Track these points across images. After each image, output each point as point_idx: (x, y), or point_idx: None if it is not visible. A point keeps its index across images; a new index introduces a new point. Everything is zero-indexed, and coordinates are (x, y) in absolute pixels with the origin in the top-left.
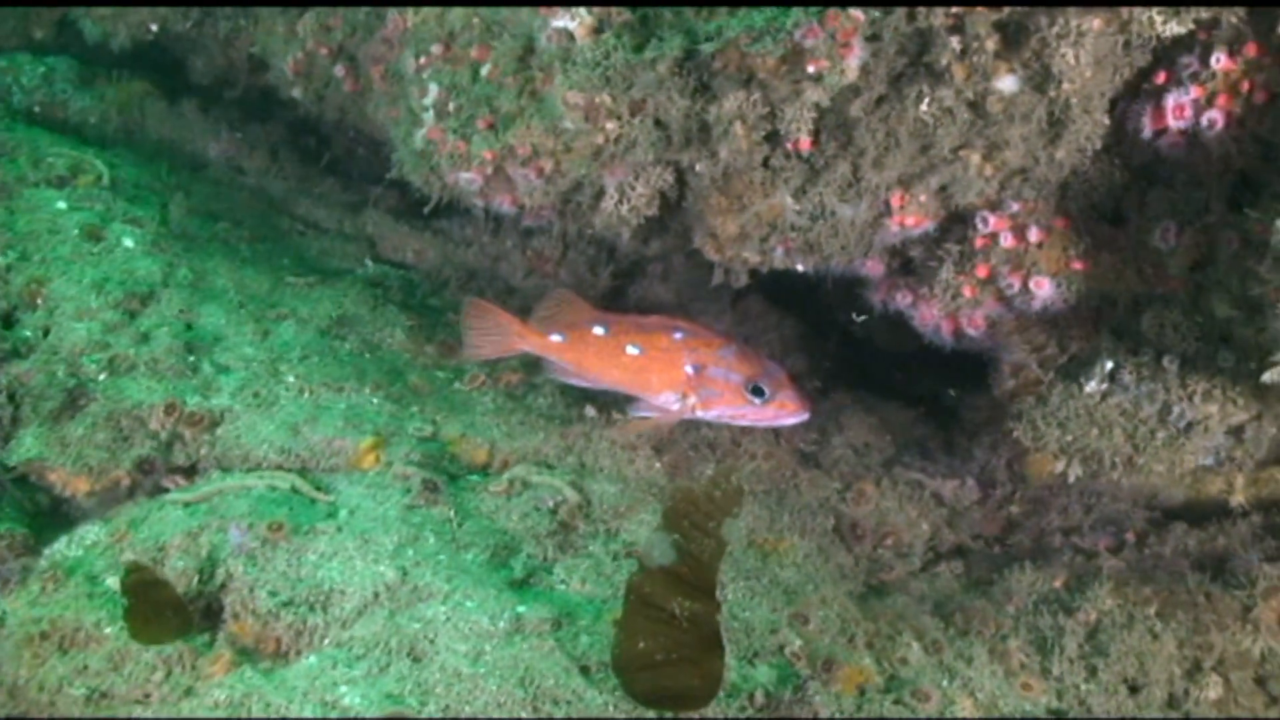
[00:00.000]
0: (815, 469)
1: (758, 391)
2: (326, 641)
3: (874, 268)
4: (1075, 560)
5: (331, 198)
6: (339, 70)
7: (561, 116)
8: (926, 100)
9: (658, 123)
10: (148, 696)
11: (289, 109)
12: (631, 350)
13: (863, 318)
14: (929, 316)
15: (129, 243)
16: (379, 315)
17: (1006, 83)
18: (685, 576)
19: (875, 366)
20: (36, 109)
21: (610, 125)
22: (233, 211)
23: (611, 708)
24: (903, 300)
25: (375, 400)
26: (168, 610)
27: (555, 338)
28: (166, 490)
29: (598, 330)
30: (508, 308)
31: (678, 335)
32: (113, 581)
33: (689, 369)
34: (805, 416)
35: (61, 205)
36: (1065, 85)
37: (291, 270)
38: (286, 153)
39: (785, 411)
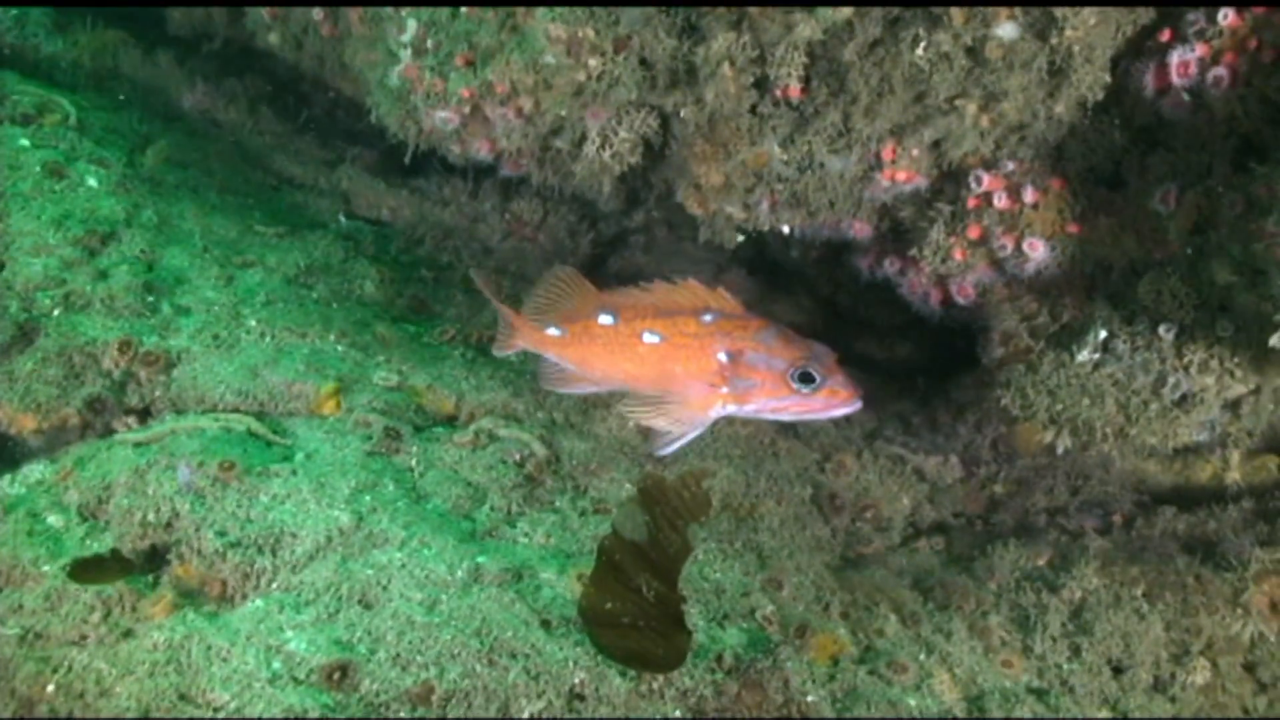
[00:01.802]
0: (794, 439)
1: (806, 379)
2: (275, 585)
3: (862, 230)
4: (1060, 539)
5: (308, 154)
6: (317, 13)
7: (543, 51)
8: (923, 44)
9: (643, 61)
10: (84, 638)
11: (267, 61)
12: (650, 339)
13: None
14: (917, 284)
15: (93, 182)
16: (350, 267)
17: (1007, 29)
18: (653, 559)
19: (861, 340)
20: (6, 51)
21: (593, 61)
22: (205, 162)
23: (572, 663)
24: (891, 267)
25: (340, 348)
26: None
27: (553, 332)
28: (117, 431)
29: (605, 320)
30: (503, 292)
31: (707, 318)
32: (55, 520)
33: (722, 356)
34: (858, 405)
35: (25, 143)
36: (1069, 32)
37: (263, 221)
38: (265, 108)
39: (836, 401)
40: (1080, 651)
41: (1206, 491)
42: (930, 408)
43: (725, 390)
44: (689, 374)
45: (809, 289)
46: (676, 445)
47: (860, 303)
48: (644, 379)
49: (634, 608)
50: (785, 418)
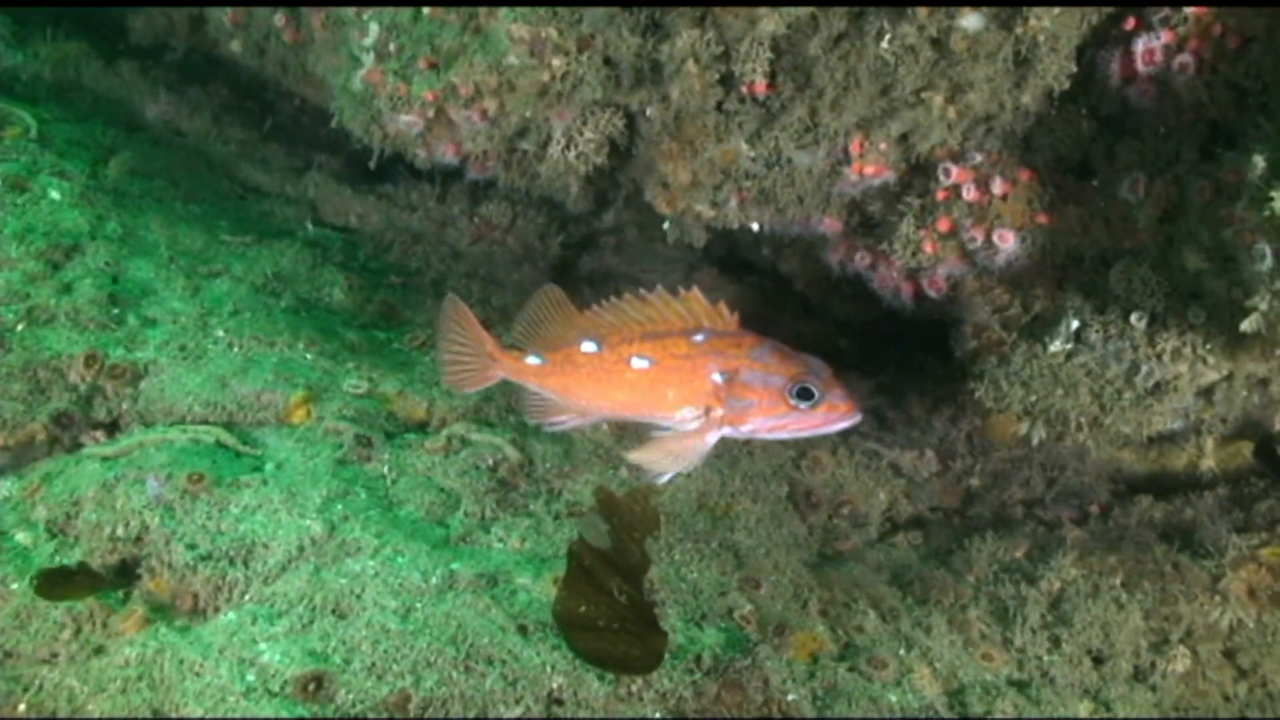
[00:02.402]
0: None
1: (804, 394)
2: (247, 597)
3: (831, 225)
4: (1038, 531)
5: (274, 162)
6: (279, 19)
7: (506, 52)
8: (888, 37)
9: (607, 60)
10: (55, 655)
11: (230, 70)
12: (639, 364)
13: None
14: (888, 279)
15: (55, 195)
16: (318, 274)
17: (971, 20)
18: (619, 565)
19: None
20: None
21: (557, 62)
22: (170, 171)
23: (550, 668)
24: (861, 262)
25: (309, 356)
26: (78, 569)
27: (534, 361)
28: (85, 445)
29: (588, 347)
30: (481, 322)
31: (698, 338)
32: (23, 537)
33: (717, 377)
34: (858, 419)
35: None
36: (1033, 22)
37: (229, 230)
38: (229, 117)
39: (835, 415)
40: (1060, 642)
41: (1181, 479)
42: (905, 402)
43: (721, 412)
44: (682, 398)
45: (780, 286)
46: (672, 474)
47: (831, 298)
48: (633, 407)
49: (607, 610)
50: (783, 436)
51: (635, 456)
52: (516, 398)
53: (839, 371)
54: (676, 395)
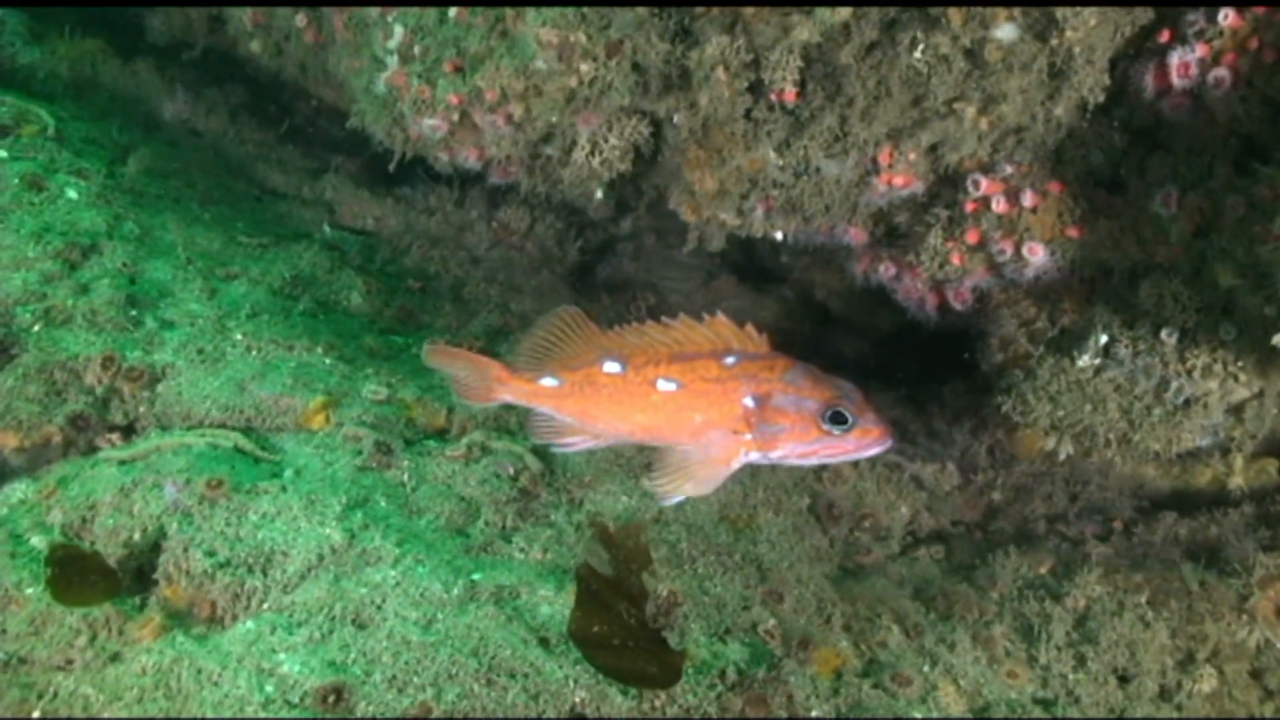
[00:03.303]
0: None
1: (838, 419)
2: (265, 606)
3: (857, 235)
4: (1061, 547)
5: (291, 164)
6: (300, 20)
7: (533, 57)
8: (921, 47)
9: (635, 66)
10: (70, 662)
11: (248, 70)
12: (665, 386)
13: None
14: (913, 290)
15: (73, 194)
16: (335, 278)
17: (1006, 30)
18: (625, 590)
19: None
20: None
21: (585, 67)
22: (186, 172)
23: (572, 682)
24: (886, 272)
25: (328, 361)
26: (94, 573)
27: (549, 382)
28: (101, 449)
29: (611, 368)
30: (475, 351)
31: (730, 360)
32: (38, 541)
33: (748, 401)
34: (890, 444)
35: (2, 154)
36: (1069, 33)
37: (246, 232)
38: (246, 117)
39: (868, 440)
40: (1085, 661)
41: (1206, 496)
42: (926, 414)
43: (750, 437)
44: (710, 422)
45: (800, 294)
46: (682, 496)
47: (853, 308)
48: (655, 430)
49: (621, 630)
50: (812, 462)
51: (652, 478)
52: (525, 418)
53: (870, 395)
54: (704, 419)
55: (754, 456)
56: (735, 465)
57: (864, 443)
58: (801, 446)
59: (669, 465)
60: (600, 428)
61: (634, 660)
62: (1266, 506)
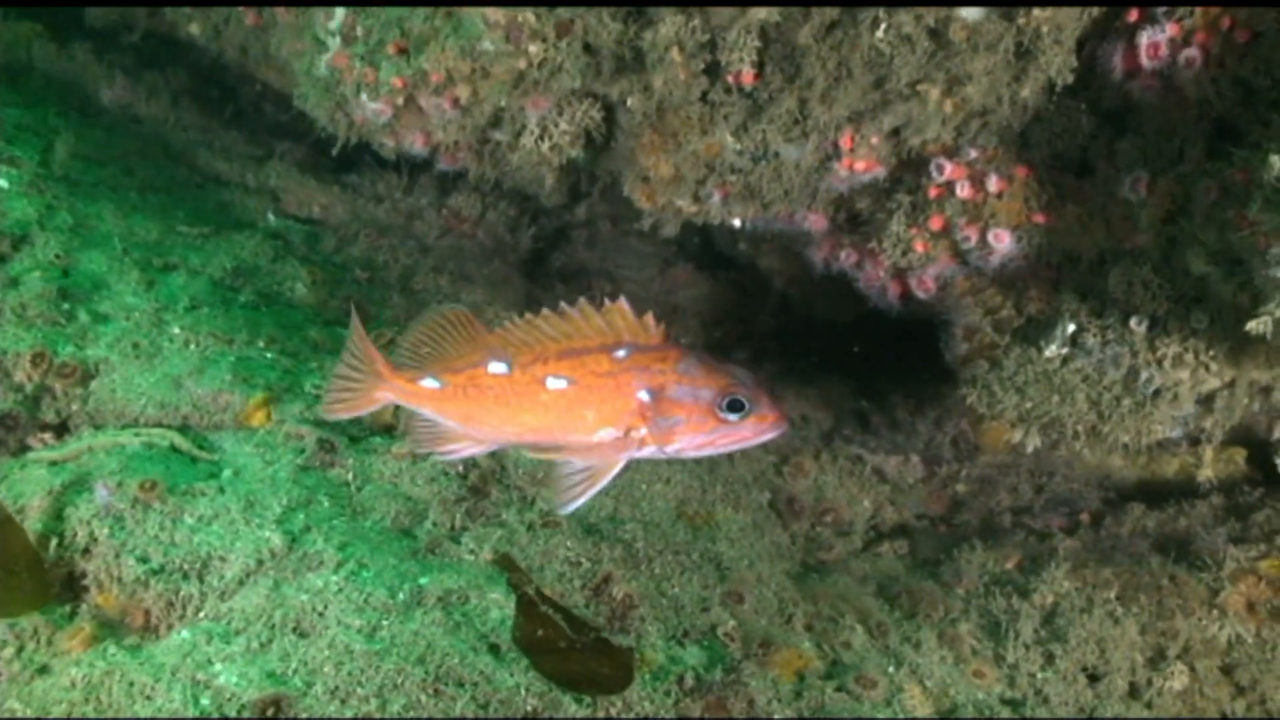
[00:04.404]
0: None
1: (734, 406)
2: (202, 614)
3: (817, 222)
4: (1028, 540)
5: (234, 150)
6: None
7: (480, 37)
8: (883, 26)
9: (586, 47)
10: None
11: (189, 53)
12: (555, 384)
13: None
14: (874, 278)
15: (3, 183)
16: (279, 268)
17: (972, 9)
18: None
19: (814, 336)
20: None
21: (534, 48)
22: (125, 159)
23: (524, 690)
24: (847, 259)
25: (270, 354)
26: (22, 572)
27: (430, 384)
28: (32, 449)
29: (496, 368)
30: (370, 340)
31: (620, 354)
32: None
33: (643, 395)
34: (785, 428)
35: None
36: (1036, 12)
37: (186, 221)
38: (188, 102)
39: (764, 426)
40: (1054, 659)
41: (1173, 486)
42: (888, 404)
43: (644, 432)
44: (603, 418)
45: (759, 283)
46: (583, 500)
47: (813, 296)
48: (546, 431)
49: (566, 633)
50: (709, 453)
51: (562, 492)
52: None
53: (763, 379)
54: (597, 416)
55: (649, 451)
56: (623, 459)
57: (761, 428)
58: (700, 438)
59: (563, 476)
60: (486, 431)
61: (584, 663)
62: (1236, 497)
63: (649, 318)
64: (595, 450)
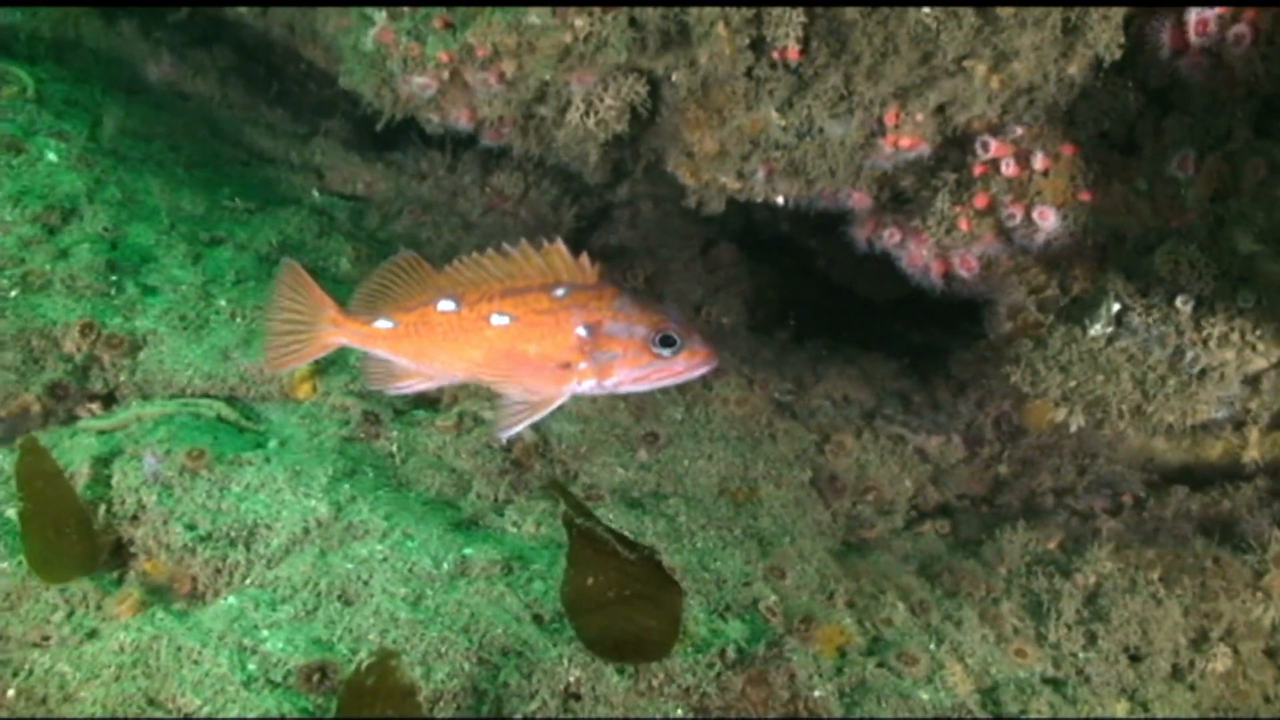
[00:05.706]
0: (792, 419)
1: (667, 342)
2: (248, 581)
3: (860, 200)
4: (1070, 521)
5: (280, 127)
6: None
7: (526, 11)
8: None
9: (632, 21)
10: (46, 639)
11: (235, 31)
12: (499, 320)
13: None
14: (918, 257)
15: (53, 157)
16: (324, 244)
17: None
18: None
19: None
20: None
21: (580, 22)
22: (171, 135)
23: (567, 660)
24: (890, 239)
25: None
26: (72, 533)
27: (383, 324)
28: (80, 418)
29: (445, 306)
30: (323, 287)
31: (560, 292)
32: (13, 514)
33: (581, 331)
34: (715, 363)
35: None
36: None
37: (232, 197)
38: (234, 80)
39: (696, 361)
40: (1096, 639)
41: (1218, 469)
42: (930, 385)
43: (584, 365)
44: (544, 353)
45: (801, 262)
46: (521, 426)
47: (855, 275)
48: (491, 365)
49: (618, 574)
50: (645, 387)
51: (501, 422)
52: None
53: (694, 318)
54: (539, 350)
55: (588, 384)
56: (566, 392)
57: (693, 363)
58: (635, 371)
59: (505, 406)
60: (437, 367)
61: (631, 616)
62: None
63: (584, 258)
64: (537, 383)
